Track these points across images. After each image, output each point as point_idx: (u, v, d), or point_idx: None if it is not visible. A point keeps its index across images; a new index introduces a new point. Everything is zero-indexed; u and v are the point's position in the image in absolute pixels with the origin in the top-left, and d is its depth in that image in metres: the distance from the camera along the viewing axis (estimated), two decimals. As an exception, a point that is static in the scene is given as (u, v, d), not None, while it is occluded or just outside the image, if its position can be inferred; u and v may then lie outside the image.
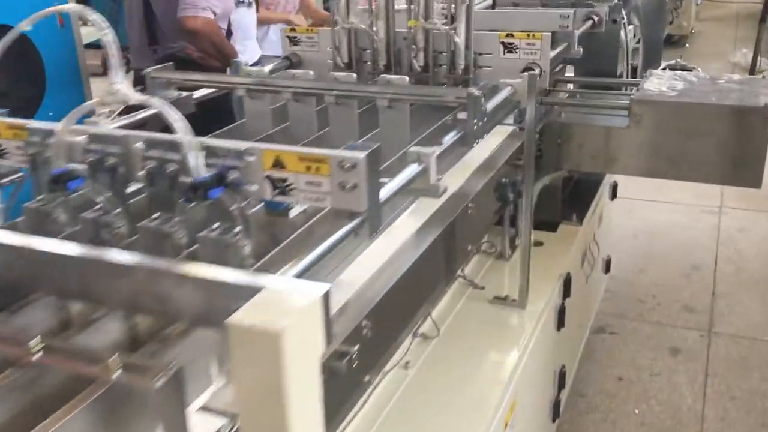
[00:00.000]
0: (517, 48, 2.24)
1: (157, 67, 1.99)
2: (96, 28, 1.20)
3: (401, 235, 1.39)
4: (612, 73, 3.22)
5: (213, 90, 2.06)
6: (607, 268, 3.73)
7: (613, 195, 3.73)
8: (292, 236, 1.31)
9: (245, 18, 3.81)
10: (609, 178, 3.50)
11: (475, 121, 1.63)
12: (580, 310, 3.07)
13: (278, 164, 1.22)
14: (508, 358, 2.12)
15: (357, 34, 2.41)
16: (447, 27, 2.24)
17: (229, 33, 3.63)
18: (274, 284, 0.94)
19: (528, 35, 2.22)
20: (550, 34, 2.22)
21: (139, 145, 1.29)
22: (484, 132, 1.70)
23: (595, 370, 3.48)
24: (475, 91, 1.62)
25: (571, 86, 3.14)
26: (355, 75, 1.86)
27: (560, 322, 2.56)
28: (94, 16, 1.22)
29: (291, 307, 0.91)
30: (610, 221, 3.91)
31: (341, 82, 1.85)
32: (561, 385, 2.74)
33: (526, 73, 2.00)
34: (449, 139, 1.60)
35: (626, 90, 2.97)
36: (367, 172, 1.18)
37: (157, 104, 1.21)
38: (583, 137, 2.73)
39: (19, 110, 3.36)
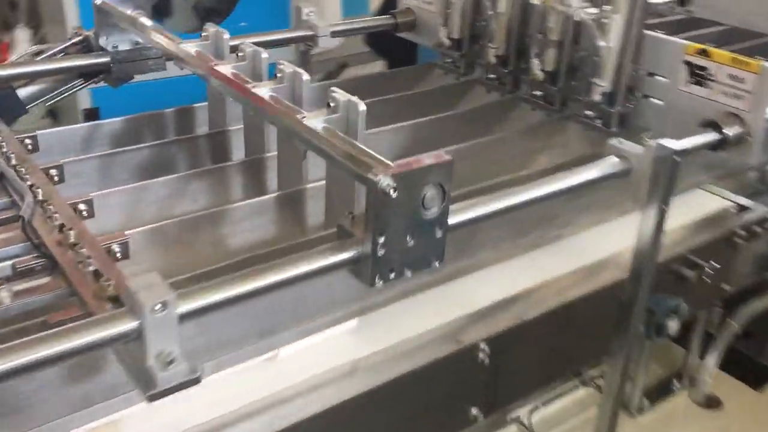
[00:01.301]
0: (712, 79, 1.17)
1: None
2: None
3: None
4: None
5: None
6: None
7: None
8: None
9: None
10: None
11: (381, 240, 0.73)
12: None
13: None
14: None
15: (476, 1, 1.53)
16: (593, 14, 1.25)
17: None
18: None
19: (735, 60, 1.13)
20: (775, 67, 1.11)
21: None
22: (436, 257, 0.79)
23: None
24: (375, 176, 0.71)
25: None
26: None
27: None
28: None
29: None
30: None
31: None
32: None
33: (654, 142, 0.98)
34: (319, 265, 0.74)
35: None
36: None
37: None
38: None
39: (208, 15, 3.07)
